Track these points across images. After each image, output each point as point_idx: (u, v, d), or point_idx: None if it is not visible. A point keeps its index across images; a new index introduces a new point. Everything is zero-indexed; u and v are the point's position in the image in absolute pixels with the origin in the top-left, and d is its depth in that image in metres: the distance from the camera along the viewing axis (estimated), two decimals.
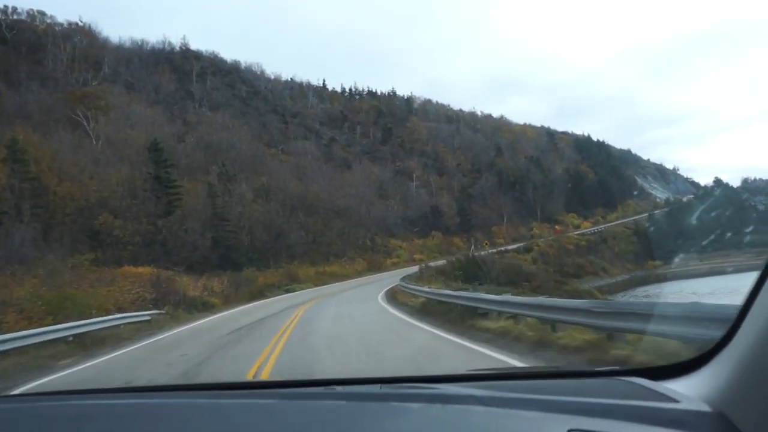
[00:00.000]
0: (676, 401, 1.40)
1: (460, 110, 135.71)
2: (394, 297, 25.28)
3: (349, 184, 73.83)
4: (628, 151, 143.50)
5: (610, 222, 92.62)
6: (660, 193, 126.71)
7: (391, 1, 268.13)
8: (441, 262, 41.92)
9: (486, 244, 52.53)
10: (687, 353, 1.70)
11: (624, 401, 1.46)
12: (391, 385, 1.97)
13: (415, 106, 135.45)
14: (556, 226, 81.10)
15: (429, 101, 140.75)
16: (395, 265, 58.64)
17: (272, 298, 33.67)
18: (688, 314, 4.95)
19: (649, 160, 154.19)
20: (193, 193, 45.55)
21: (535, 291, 25.99)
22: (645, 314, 6.44)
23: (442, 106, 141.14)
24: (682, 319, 5.01)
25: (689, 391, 1.44)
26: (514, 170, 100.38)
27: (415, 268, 41.84)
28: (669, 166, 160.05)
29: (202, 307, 27.42)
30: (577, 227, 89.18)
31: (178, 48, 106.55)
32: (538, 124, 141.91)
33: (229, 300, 31.79)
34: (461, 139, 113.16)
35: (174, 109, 78.25)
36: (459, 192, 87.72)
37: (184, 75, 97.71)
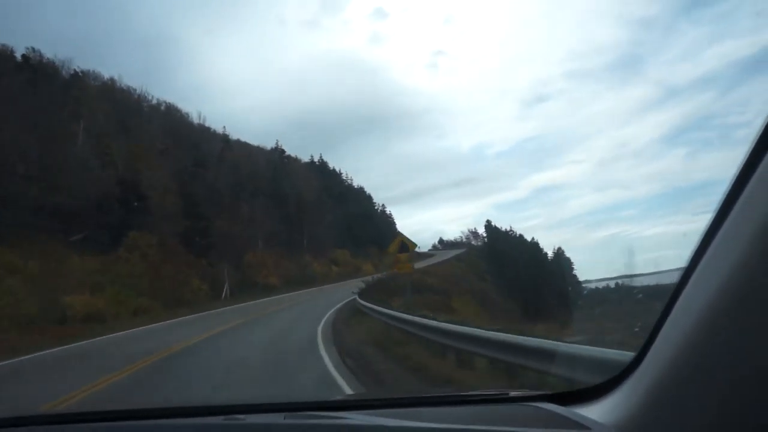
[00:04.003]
0: (587, 428, 1.34)
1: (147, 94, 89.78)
2: None
3: None
4: (362, 189, 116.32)
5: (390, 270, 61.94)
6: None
7: None
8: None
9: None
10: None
11: (534, 429, 1.41)
12: (296, 413, 1.76)
13: (76, 69, 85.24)
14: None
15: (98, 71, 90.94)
16: None
17: None
18: (584, 356, 4.10)
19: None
20: None
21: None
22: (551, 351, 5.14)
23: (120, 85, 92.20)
24: (568, 359, 4.37)
25: (600, 417, 1.35)
26: (254, 172, 62.65)
27: None
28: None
29: None
30: (359, 269, 56.38)
31: None
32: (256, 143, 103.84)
33: None
34: (163, 117, 69.18)
35: None
36: (176, 179, 44.98)
37: None
